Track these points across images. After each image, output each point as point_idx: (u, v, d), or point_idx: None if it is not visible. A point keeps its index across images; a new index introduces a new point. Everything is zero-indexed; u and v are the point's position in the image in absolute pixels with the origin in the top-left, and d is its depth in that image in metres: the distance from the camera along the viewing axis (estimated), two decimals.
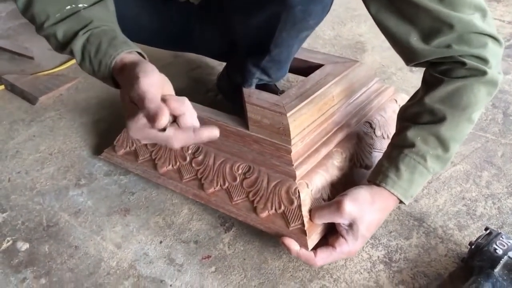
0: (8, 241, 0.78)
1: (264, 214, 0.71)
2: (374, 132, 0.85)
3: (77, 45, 0.65)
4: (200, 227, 0.79)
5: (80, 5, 0.65)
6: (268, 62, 0.82)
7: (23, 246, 0.77)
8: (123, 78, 0.60)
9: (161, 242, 0.77)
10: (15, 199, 0.86)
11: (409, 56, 0.68)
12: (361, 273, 0.70)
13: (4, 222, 0.81)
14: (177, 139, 0.54)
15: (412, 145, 0.67)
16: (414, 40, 0.65)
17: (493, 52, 0.65)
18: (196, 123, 0.56)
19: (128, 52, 0.63)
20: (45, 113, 1.13)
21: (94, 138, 1.02)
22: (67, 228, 0.80)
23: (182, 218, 0.81)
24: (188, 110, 0.55)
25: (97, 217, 0.82)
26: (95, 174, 0.92)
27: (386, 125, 0.88)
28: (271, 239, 0.76)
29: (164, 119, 0.51)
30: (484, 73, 0.64)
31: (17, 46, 1.46)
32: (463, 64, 0.64)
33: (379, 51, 1.40)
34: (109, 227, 0.80)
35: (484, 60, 0.64)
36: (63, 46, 0.67)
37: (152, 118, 0.52)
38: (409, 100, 0.74)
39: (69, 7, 0.65)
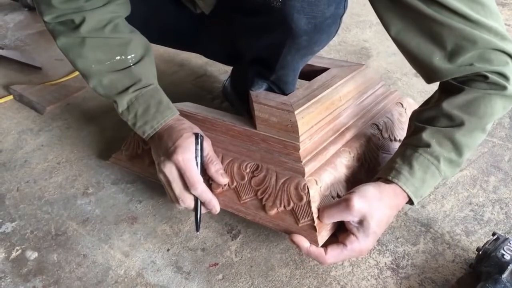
0: (17, 250, 0.78)
1: (273, 212, 0.71)
2: (381, 134, 0.85)
3: (125, 99, 0.76)
4: (207, 235, 0.79)
5: (129, 57, 0.76)
6: (275, 81, 0.82)
7: (32, 255, 0.77)
8: (160, 142, 0.74)
9: (168, 250, 0.77)
10: (24, 208, 0.87)
11: (431, 75, 0.68)
12: (368, 280, 0.70)
13: (13, 231, 0.82)
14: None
15: (427, 145, 0.68)
16: (437, 59, 0.65)
17: None
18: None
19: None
20: (53, 122, 1.14)
21: (101, 146, 1.03)
22: (75, 236, 0.81)
23: (189, 226, 0.81)
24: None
25: (105, 226, 0.82)
26: (102, 182, 0.93)
27: (393, 128, 0.88)
28: (278, 246, 0.76)
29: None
30: (504, 88, 0.65)
31: (24, 57, 1.47)
32: (485, 77, 0.64)
33: (384, 56, 1.41)
34: (116, 236, 0.80)
35: (505, 77, 0.65)
36: (106, 90, 0.78)
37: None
38: (423, 105, 0.74)
39: (118, 57, 0.76)
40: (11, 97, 1.26)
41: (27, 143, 1.07)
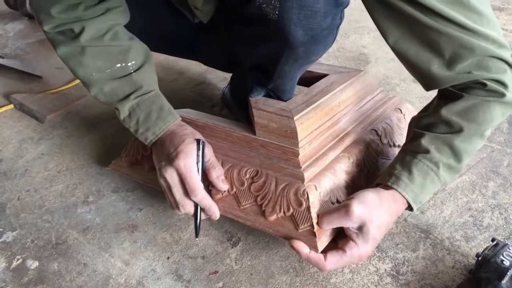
0: (18, 259, 0.79)
1: (273, 218, 0.71)
2: (380, 140, 0.85)
3: (126, 106, 0.77)
4: (207, 243, 0.80)
5: (129, 64, 0.77)
6: (273, 89, 0.83)
7: (33, 264, 0.77)
8: (162, 148, 0.75)
9: (168, 258, 0.77)
10: (25, 217, 0.87)
11: (429, 83, 0.69)
12: (369, 287, 0.70)
13: (14, 241, 0.82)
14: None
15: (426, 151, 0.68)
16: (435, 67, 0.65)
17: (511, 78, 0.66)
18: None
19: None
20: (53, 131, 1.15)
21: (102, 154, 1.04)
22: (75, 245, 0.81)
23: (189, 234, 0.81)
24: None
25: (105, 234, 0.83)
26: (102, 191, 0.93)
27: (392, 133, 0.88)
28: (278, 253, 0.76)
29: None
30: (502, 95, 0.65)
31: (25, 66, 1.48)
32: (484, 85, 0.65)
33: (382, 62, 1.41)
34: (117, 244, 0.80)
35: (504, 84, 0.65)
36: (107, 98, 0.78)
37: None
38: (421, 111, 0.75)
39: (119, 65, 0.77)
40: (11, 106, 1.27)
41: (28, 152, 1.07)
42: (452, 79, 0.66)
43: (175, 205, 0.73)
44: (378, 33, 0.67)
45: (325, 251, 0.66)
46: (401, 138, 0.88)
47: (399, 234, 0.79)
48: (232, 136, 0.80)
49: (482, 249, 0.68)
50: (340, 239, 0.68)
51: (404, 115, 0.93)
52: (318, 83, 0.87)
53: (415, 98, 1.20)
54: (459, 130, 0.67)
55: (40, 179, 0.97)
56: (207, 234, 0.81)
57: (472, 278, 0.69)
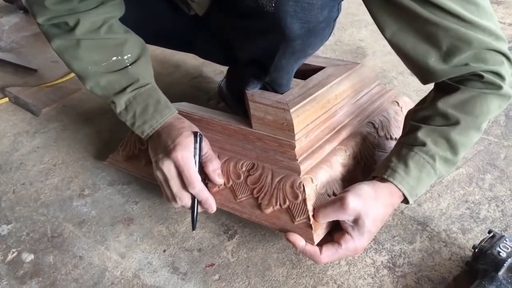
0: (13, 252, 0.78)
1: (269, 210, 0.70)
2: (377, 132, 0.85)
3: (123, 99, 0.76)
4: (203, 235, 0.79)
5: (125, 57, 0.77)
6: (269, 82, 0.83)
7: (28, 257, 0.77)
8: (159, 140, 0.74)
9: (164, 250, 0.77)
10: (20, 211, 0.87)
11: (426, 76, 0.68)
12: (365, 279, 0.70)
13: (9, 234, 0.82)
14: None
15: (423, 144, 0.68)
16: (432, 60, 0.65)
17: (508, 71, 0.66)
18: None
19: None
20: (49, 124, 1.14)
21: (97, 148, 1.03)
22: (71, 238, 0.80)
23: (186, 227, 0.81)
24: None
25: (101, 227, 0.82)
26: (98, 184, 0.92)
27: (389, 126, 0.88)
28: (275, 246, 0.76)
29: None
30: (499, 87, 0.65)
31: (20, 59, 1.47)
32: (481, 77, 0.65)
33: (380, 55, 1.41)
34: (113, 237, 0.80)
35: (501, 76, 0.65)
36: (104, 91, 0.78)
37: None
38: (418, 104, 0.75)
39: (115, 58, 0.76)
40: (6, 99, 1.26)
41: (23, 145, 1.06)
42: (449, 72, 0.65)
43: (172, 198, 0.72)
44: (375, 26, 0.67)
45: (320, 244, 0.66)
46: (398, 131, 0.88)
47: (396, 227, 0.79)
48: (228, 129, 0.80)
49: (479, 241, 0.68)
50: (335, 232, 0.68)
51: (401, 108, 0.93)
52: (314, 76, 0.87)
53: (412, 91, 1.20)
54: (455, 123, 0.67)
55: (35, 173, 0.97)
56: (204, 227, 0.81)
57: (468, 270, 0.69)
